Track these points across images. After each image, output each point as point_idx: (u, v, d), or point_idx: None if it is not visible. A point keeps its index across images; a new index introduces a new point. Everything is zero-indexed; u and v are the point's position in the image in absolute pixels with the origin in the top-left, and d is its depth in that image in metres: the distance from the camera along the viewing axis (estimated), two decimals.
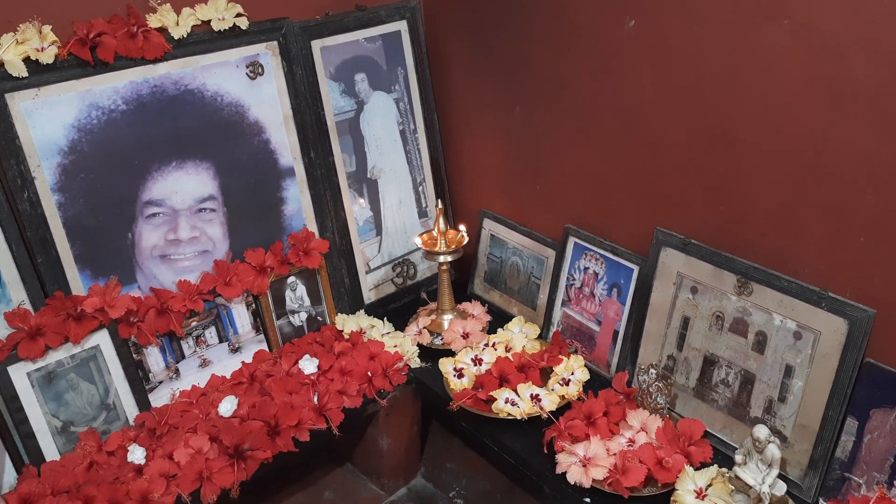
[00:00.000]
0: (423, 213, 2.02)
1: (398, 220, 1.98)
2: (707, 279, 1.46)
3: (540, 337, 1.80)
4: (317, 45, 1.74)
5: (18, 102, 1.37)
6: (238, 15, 1.60)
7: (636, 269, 1.61)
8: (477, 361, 1.70)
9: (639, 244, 1.61)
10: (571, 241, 1.74)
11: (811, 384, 1.32)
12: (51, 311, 1.44)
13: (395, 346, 1.77)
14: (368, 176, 1.90)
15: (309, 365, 1.68)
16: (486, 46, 1.81)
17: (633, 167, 1.59)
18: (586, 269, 1.71)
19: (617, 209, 1.66)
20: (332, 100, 1.79)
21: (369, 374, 1.68)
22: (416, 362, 1.76)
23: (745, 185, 1.38)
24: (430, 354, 1.78)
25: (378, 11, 1.84)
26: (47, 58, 1.37)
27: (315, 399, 1.60)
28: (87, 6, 1.43)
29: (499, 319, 1.88)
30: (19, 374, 1.41)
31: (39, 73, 1.38)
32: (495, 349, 1.73)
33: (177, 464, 1.43)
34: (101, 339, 1.51)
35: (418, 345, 1.80)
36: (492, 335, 1.79)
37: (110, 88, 1.47)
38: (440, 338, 1.82)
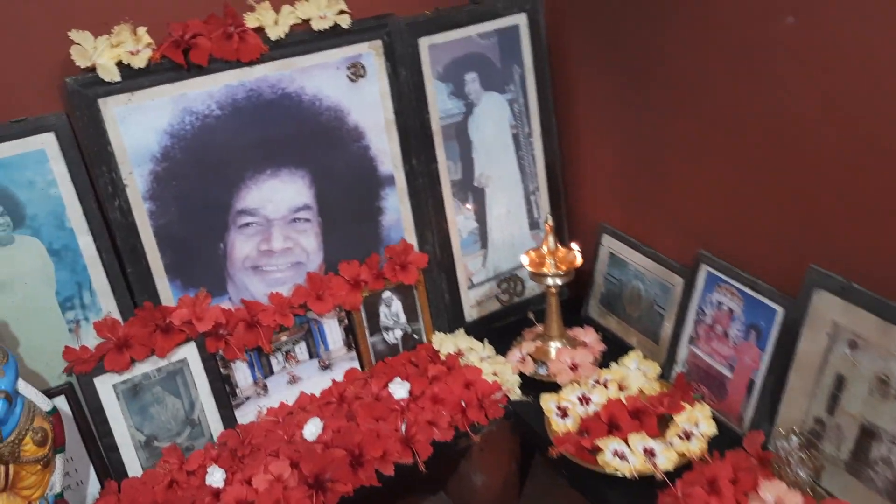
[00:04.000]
0: (534, 225, 1.85)
1: (506, 232, 1.82)
2: (871, 334, 1.20)
3: (661, 377, 1.59)
4: (424, 42, 1.60)
5: (111, 108, 1.33)
6: (340, 12, 1.48)
7: (781, 311, 1.36)
8: (584, 401, 1.51)
9: (786, 281, 1.35)
10: (704, 269, 1.51)
11: None
12: (139, 322, 1.41)
13: (494, 374, 1.62)
14: (475, 184, 1.75)
15: (399, 389, 1.56)
16: (615, 43, 1.60)
17: (784, 188, 1.34)
18: (720, 304, 1.48)
19: (761, 237, 1.41)
20: (439, 102, 1.65)
21: (463, 403, 1.54)
22: (515, 394, 1.60)
23: None
24: (533, 386, 1.62)
25: (494, 4, 1.67)
26: (140, 61, 1.32)
27: (403, 428, 1.48)
28: (183, 6, 1.36)
29: (614, 349, 1.68)
30: (105, 387, 1.38)
31: (132, 78, 1.33)
32: (607, 388, 1.54)
33: (255, 490, 1.36)
34: (189, 353, 1.46)
35: (520, 374, 1.64)
36: (604, 370, 1.60)
37: (204, 93, 1.40)
38: (545, 367, 1.65)
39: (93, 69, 1.29)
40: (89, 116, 1.31)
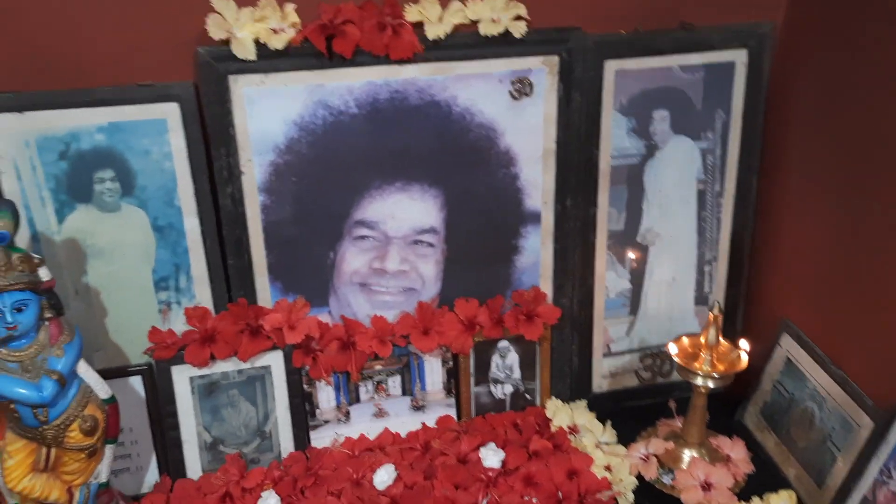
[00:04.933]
0: (702, 300, 1.54)
1: (664, 301, 1.52)
2: None
3: None
4: (612, 66, 1.34)
5: (241, 87, 1.21)
6: (517, 18, 1.26)
7: None
8: None
9: None
10: None
11: None
12: (230, 318, 1.30)
13: (607, 469, 1.35)
14: (638, 239, 1.47)
15: (492, 456, 1.35)
16: (856, 108, 1.24)
17: None
18: None
19: None
20: (615, 138, 1.39)
21: (560, 495, 1.30)
22: (626, 500, 1.33)
23: None
24: (650, 495, 1.34)
25: (709, 34, 1.36)
26: (280, 42, 1.18)
27: None
28: None
29: (764, 475, 1.36)
30: (182, 377, 1.30)
31: (268, 58, 1.20)
32: None
33: None
34: (274, 360, 1.34)
35: (638, 475, 1.37)
36: (743, 503, 1.29)
37: (344, 87, 1.24)
38: (671, 476, 1.36)
39: (226, 42, 1.17)
40: (217, 93, 1.20)
